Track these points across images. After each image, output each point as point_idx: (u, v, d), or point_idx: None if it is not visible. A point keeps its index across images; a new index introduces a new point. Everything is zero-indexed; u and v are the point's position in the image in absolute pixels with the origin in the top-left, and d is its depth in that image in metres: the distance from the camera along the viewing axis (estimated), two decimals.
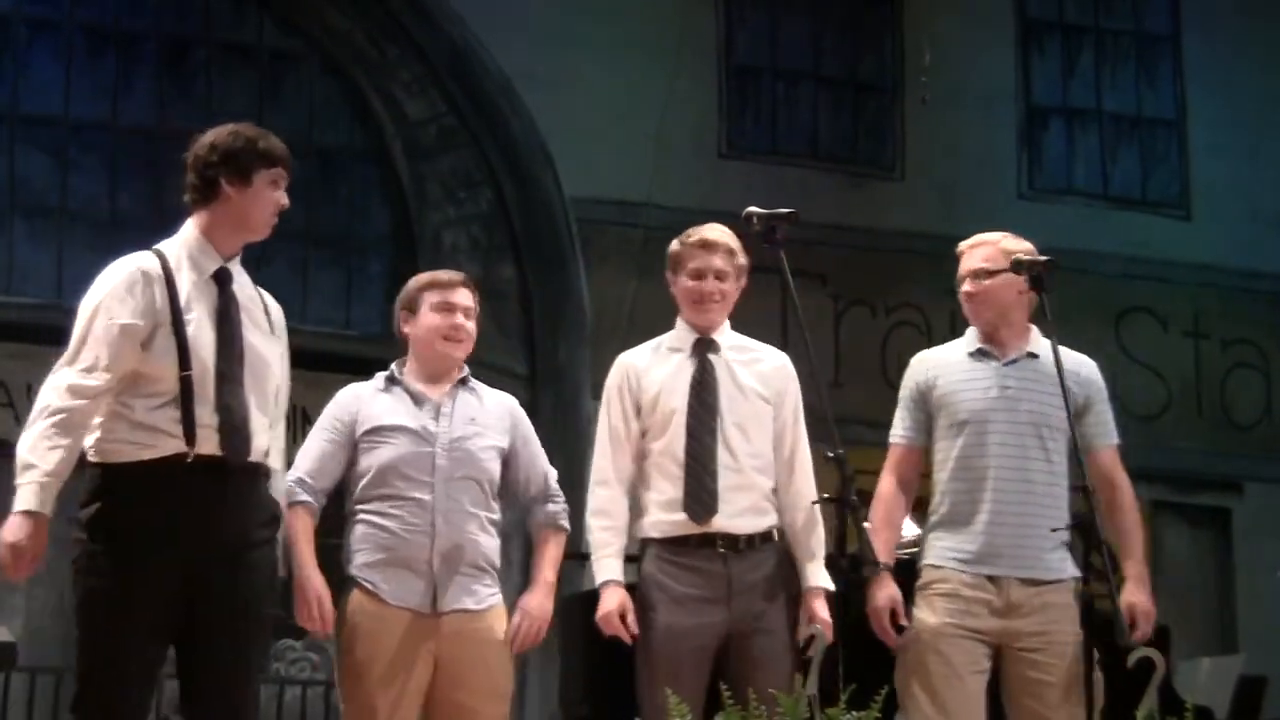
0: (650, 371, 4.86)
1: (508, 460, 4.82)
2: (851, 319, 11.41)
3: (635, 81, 11.10)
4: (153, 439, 4.12)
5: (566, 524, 4.91)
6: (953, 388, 4.92)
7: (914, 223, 11.44)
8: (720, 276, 4.86)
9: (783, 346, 4.99)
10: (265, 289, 4.47)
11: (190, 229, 4.33)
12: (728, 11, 11.65)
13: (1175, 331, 12.02)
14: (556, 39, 10.88)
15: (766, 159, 11.49)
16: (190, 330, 4.18)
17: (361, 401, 4.80)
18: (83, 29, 10.71)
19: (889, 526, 4.89)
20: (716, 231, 4.87)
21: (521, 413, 4.94)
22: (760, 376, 4.86)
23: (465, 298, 4.91)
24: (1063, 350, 4.88)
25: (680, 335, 4.92)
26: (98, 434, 4.17)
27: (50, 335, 11.24)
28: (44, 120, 10.56)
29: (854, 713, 3.70)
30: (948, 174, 11.62)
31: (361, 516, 4.70)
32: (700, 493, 4.70)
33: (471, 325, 4.89)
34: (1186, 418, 11.94)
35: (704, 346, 4.87)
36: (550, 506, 4.89)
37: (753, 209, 4.60)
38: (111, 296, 4.22)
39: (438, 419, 4.74)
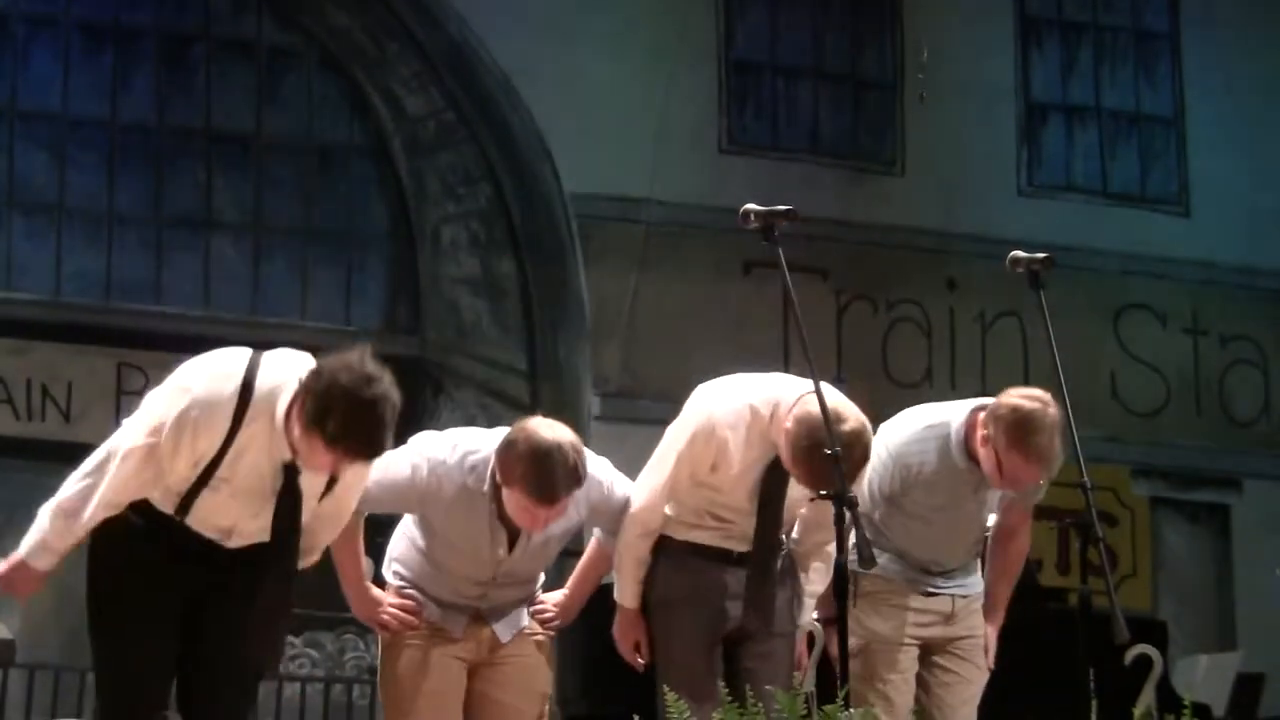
0: (738, 453, 4.60)
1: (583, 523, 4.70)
2: (853, 314, 11.40)
3: (635, 77, 11.09)
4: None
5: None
6: None
7: (915, 218, 11.45)
8: None
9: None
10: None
11: (283, 413, 4.07)
12: (728, 6, 11.63)
13: (1174, 328, 12.01)
14: (556, 34, 10.87)
15: (767, 154, 11.47)
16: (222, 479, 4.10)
17: (441, 496, 4.47)
18: (81, 25, 10.69)
19: None
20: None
21: (601, 491, 4.62)
22: None
23: (555, 510, 4.44)
24: None
25: (766, 444, 4.62)
26: None
27: (48, 331, 11.29)
28: (42, 116, 10.54)
29: (851, 710, 3.70)
30: (948, 170, 11.61)
31: (417, 544, 4.61)
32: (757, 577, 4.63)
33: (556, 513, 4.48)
34: (1185, 414, 11.93)
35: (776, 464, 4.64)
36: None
37: (751, 205, 4.59)
38: (188, 412, 4.05)
39: (511, 550, 4.53)
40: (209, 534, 4.15)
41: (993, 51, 12.01)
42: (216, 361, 4.12)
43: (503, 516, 4.45)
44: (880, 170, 11.75)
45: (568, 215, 10.92)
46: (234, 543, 4.16)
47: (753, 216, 4.56)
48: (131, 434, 4.10)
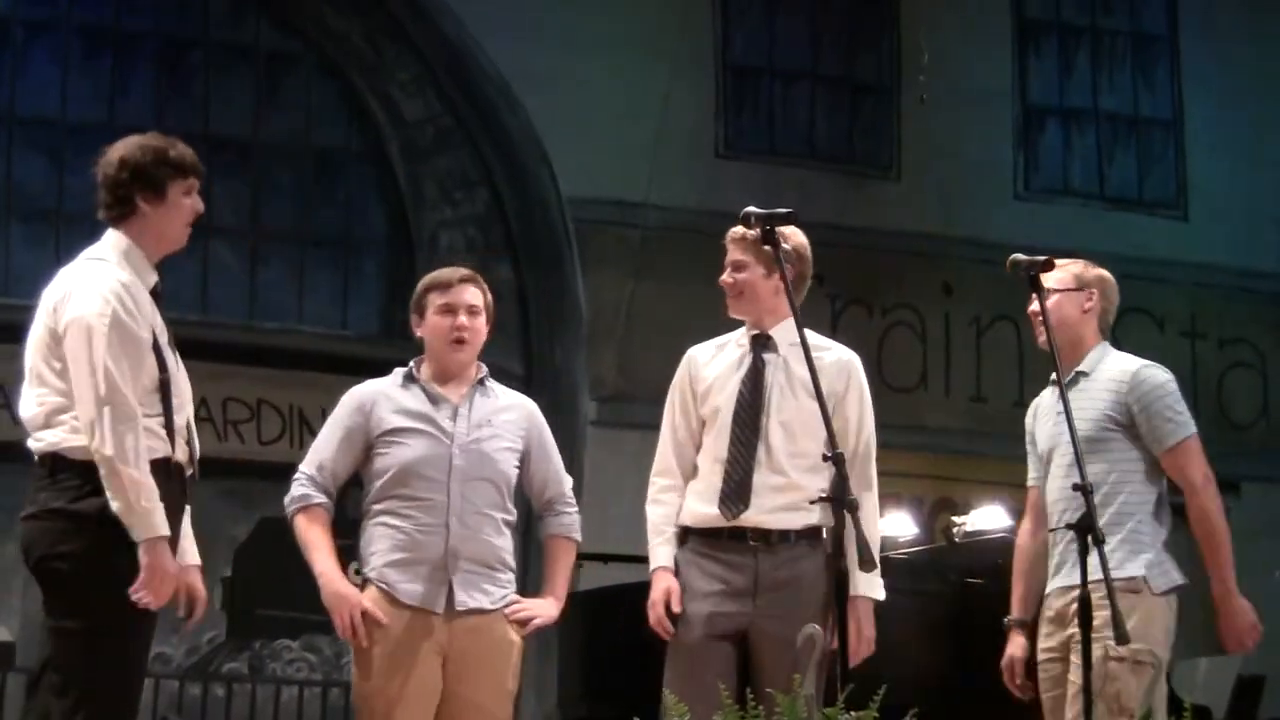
0: (710, 365, 4.89)
1: (523, 463, 4.84)
2: (849, 319, 11.40)
3: (633, 81, 11.10)
4: (148, 439, 4.12)
5: (578, 535, 4.94)
6: (1035, 426, 5.20)
7: (911, 223, 11.45)
8: (738, 268, 4.85)
9: None
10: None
11: (123, 242, 4.35)
12: (725, 11, 11.65)
13: (1172, 331, 12.02)
14: (554, 39, 10.88)
15: (764, 159, 11.49)
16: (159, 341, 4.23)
17: (379, 399, 4.80)
18: (80, 30, 10.70)
19: (1023, 578, 5.13)
20: (738, 227, 4.81)
21: (539, 417, 4.94)
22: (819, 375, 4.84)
23: (468, 295, 4.86)
24: (1121, 357, 5.36)
25: (743, 331, 4.94)
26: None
27: None
28: (41, 122, 10.55)
29: (852, 713, 3.70)
30: (945, 174, 11.62)
31: (378, 518, 4.72)
32: (735, 488, 4.73)
33: (479, 321, 4.86)
34: None
35: (761, 343, 4.87)
36: (564, 517, 4.92)
37: (750, 209, 4.59)
38: (121, 313, 4.22)
39: (455, 419, 4.75)
40: (182, 456, 4.20)
41: (990, 55, 12.03)
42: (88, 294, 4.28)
43: (434, 397, 4.77)
44: (877, 175, 11.77)
45: (565, 220, 10.92)
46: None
47: (753, 219, 4.56)
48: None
